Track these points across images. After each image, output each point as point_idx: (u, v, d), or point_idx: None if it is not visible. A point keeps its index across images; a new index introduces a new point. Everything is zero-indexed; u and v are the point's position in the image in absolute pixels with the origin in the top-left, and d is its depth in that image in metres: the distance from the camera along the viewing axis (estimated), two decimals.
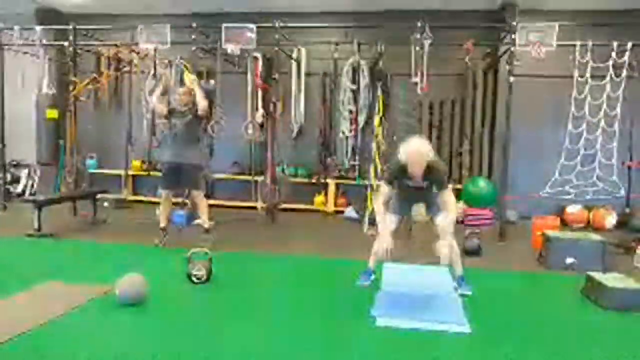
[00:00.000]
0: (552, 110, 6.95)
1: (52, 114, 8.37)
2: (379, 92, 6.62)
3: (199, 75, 6.83)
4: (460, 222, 7.04)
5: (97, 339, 2.83)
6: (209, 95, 5.81)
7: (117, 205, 7.72)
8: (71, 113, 7.02)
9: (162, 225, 5.23)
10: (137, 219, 6.79)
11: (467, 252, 4.81)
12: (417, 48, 6.04)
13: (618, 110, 6.19)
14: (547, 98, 7.19)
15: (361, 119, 7.69)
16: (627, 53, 6.00)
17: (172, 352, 2.66)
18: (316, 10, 7.86)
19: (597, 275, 3.79)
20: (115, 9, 8.39)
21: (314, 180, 8.00)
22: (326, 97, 8.01)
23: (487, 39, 7.36)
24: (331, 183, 7.91)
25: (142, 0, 7.96)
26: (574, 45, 6.04)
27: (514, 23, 5.88)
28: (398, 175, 3.59)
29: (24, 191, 8.46)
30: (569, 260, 4.64)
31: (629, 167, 7.06)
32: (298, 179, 7.95)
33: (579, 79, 6.17)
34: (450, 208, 3.59)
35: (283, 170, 7.71)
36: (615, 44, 6.01)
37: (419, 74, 6.07)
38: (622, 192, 6.51)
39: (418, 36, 5.95)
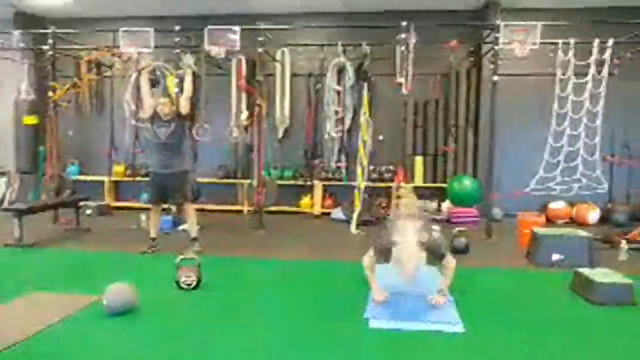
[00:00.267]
0: (536, 108, 7.02)
1: (31, 119, 8.09)
2: (365, 92, 6.62)
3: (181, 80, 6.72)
4: (447, 221, 7.12)
5: (89, 349, 2.75)
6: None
7: (100, 212, 7.59)
8: (51, 119, 6.86)
9: (152, 235, 5.17)
10: (120, 226, 6.65)
11: (455, 251, 4.82)
12: (402, 48, 6.05)
13: (600, 106, 6.27)
14: (530, 96, 7.28)
15: (347, 120, 7.69)
16: (608, 50, 6.08)
17: (166, 359, 2.63)
18: (300, 11, 7.84)
19: (585, 271, 3.84)
20: (96, 12, 8.25)
21: (300, 182, 7.98)
22: (312, 98, 7.98)
23: (470, 38, 7.43)
24: (318, 184, 7.89)
25: (123, 3, 7.83)
26: (556, 43, 6.10)
27: (497, 22, 5.93)
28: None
29: (2, 200, 8.25)
30: (556, 257, 4.69)
31: (611, 163, 7.20)
32: (284, 181, 7.90)
33: (562, 76, 6.24)
34: (448, 274, 3.52)
35: (269, 174, 7.66)
36: (596, 41, 6.09)
37: (404, 73, 6.07)
38: (605, 187, 6.60)
39: (403, 36, 5.95)
